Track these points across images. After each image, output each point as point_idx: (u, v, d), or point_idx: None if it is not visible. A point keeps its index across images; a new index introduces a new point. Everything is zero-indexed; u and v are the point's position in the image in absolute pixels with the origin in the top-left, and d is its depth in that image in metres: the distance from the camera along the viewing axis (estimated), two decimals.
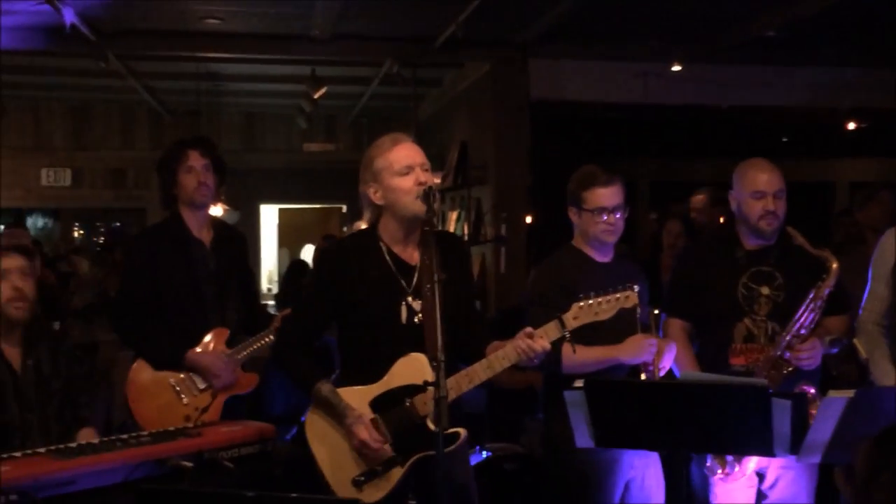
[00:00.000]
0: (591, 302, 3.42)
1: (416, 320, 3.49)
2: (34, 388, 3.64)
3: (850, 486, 1.71)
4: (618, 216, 4.03)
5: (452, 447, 3.25)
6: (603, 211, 4.02)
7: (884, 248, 4.27)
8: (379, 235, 3.59)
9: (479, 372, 3.40)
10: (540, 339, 3.36)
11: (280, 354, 3.72)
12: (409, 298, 3.52)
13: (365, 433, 3.40)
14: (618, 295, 3.43)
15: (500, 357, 3.39)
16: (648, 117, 10.26)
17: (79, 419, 3.74)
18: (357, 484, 3.43)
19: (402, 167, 3.47)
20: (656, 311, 4.18)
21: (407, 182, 3.46)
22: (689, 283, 4.23)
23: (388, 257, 3.56)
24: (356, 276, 3.53)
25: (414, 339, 3.45)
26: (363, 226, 3.70)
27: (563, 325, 3.42)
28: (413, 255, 3.59)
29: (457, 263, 3.60)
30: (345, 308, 3.55)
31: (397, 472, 3.43)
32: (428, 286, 3.46)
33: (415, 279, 3.54)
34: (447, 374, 3.11)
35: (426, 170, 3.51)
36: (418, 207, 3.45)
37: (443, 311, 3.16)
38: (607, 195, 4.03)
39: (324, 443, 3.52)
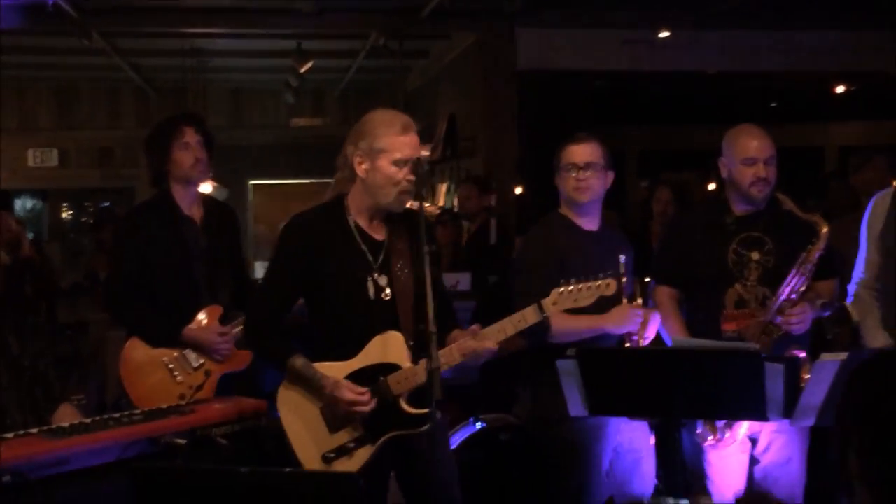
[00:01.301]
0: (570, 288, 3.41)
1: (383, 296, 3.47)
2: (4, 367, 3.60)
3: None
4: (588, 174, 4.02)
5: (426, 427, 3.22)
6: (573, 167, 4.02)
7: (874, 213, 4.27)
8: (346, 207, 3.54)
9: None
10: (486, 342, 3.34)
11: (250, 333, 3.69)
12: (375, 275, 3.47)
13: (350, 394, 3.37)
14: (598, 283, 3.42)
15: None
16: (636, 85, 10.24)
17: (52, 397, 3.69)
18: (327, 460, 3.43)
19: (402, 158, 3.40)
20: (647, 280, 4.19)
21: (399, 174, 3.40)
22: (679, 250, 4.23)
23: (355, 232, 3.51)
24: (322, 250, 3.47)
25: (384, 316, 3.44)
26: (328, 195, 3.62)
27: (541, 310, 3.42)
28: (380, 231, 3.54)
29: (427, 239, 3.49)
30: (311, 283, 3.49)
31: (367, 451, 3.42)
32: (399, 263, 3.46)
33: (381, 256, 3.50)
34: (421, 352, 3.09)
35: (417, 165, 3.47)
36: (398, 202, 3.44)
37: (432, 284, 3.16)
38: (577, 151, 4.04)
39: (296, 417, 3.49)
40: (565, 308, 3.45)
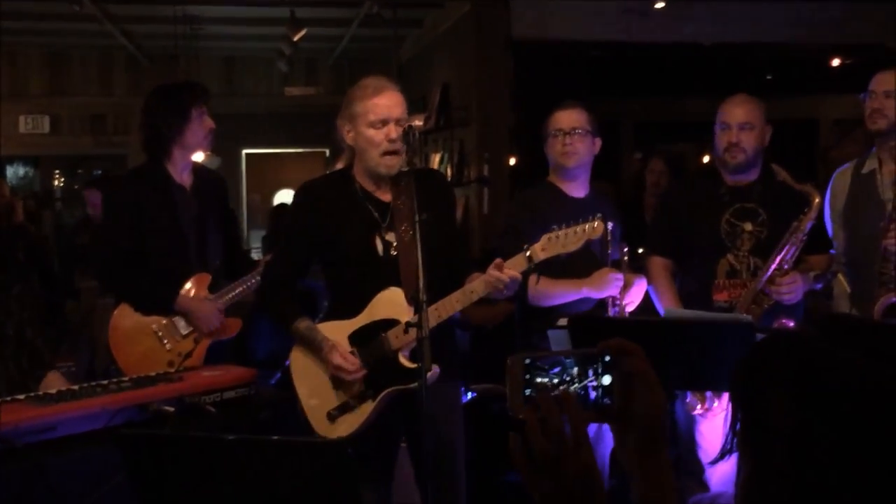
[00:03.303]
0: (558, 234, 3.38)
1: (392, 253, 3.53)
2: None
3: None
4: (575, 138, 4.05)
5: (415, 384, 3.22)
6: (559, 132, 4.07)
7: (835, 190, 4.26)
8: (353, 175, 3.62)
9: (450, 304, 3.40)
10: (509, 270, 3.35)
11: (263, 297, 3.79)
12: (384, 232, 3.55)
13: (339, 359, 3.46)
14: (585, 226, 3.37)
15: (470, 290, 3.40)
16: (632, 56, 10.17)
17: (41, 363, 3.68)
18: (331, 417, 3.51)
19: (377, 119, 3.47)
20: (640, 251, 4.19)
21: (378, 136, 3.47)
22: (673, 220, 4.23)
23: (361, 194, 3.59)
24: (330, 213, 3.57)
25: (393, 273, 3.49)
26: (340, 165, 3.71)
27: (529, 256, 3.40)
28: (386, 194, 3.61)
29: (438, 199, 3.61)
30: (322, 246, 3.60)
31: (368, 406, 3.49)
32: (404, 226, 3.47)
33: (389, 216, 3.56)
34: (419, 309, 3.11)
35: (401, 125, 3.49)
36: (382, 165, 3.49)
37: (424, 252, 3.15)
38: (563, 117, 4.10)
39: (305, 379, 3.60)
40: (554, 254, 3.40)
